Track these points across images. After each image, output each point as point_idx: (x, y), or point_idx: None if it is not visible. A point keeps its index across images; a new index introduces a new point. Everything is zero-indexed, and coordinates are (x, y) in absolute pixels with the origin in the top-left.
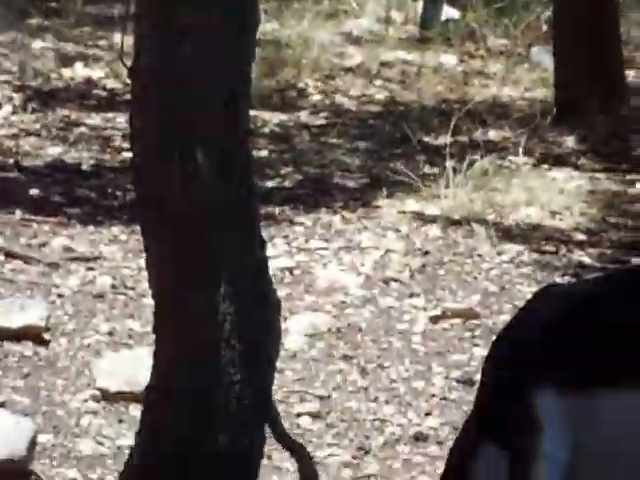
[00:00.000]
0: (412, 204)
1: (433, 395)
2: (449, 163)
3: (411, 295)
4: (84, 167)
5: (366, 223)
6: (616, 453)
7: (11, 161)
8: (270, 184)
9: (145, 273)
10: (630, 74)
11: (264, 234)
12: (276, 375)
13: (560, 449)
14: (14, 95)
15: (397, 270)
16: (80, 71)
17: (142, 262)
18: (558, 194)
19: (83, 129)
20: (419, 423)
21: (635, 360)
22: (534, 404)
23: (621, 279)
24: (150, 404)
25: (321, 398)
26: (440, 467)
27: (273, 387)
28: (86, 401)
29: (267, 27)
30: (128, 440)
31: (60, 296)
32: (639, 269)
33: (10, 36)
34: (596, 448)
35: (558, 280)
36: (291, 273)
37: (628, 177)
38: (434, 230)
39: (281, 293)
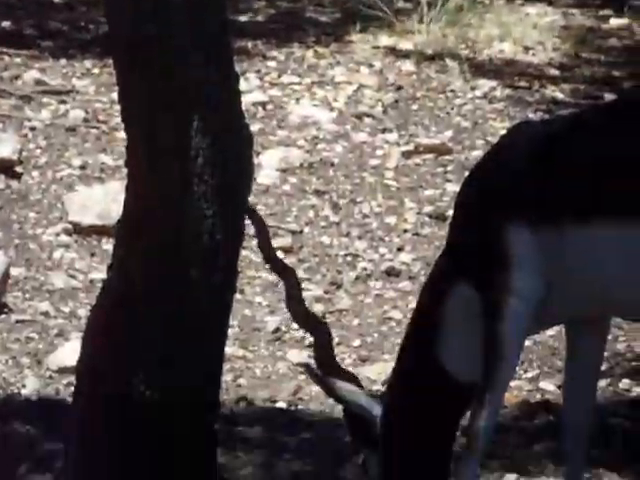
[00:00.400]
0: (385, 39)
1: (405, 230)
2: None
3: (384, 130)
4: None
5: (339, 58)
6: (584, 283)
7: None
8: (243, 18)
9: (118, 107)
10: None
11: (237, 68)
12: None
13: (531, 286)
14: None
15: (370, 105)
16: None
17: (115, 96)
18: (531, 29)
19: None
20: (391, 258)
21: (606, 194)
22: (507, 240)
23: (594, 116)
24: (121, 239)
25: (293, 233)
26: (412, 302)
27: (246, 221)
28: (58, 235)
29: None
30: (100, 274)
31: (32, 129)
32: (611, 106)
33: None
34: (565, 282)
35: (531, 116)
36: (264, 108)
37: (602, 13)
38: (407, 65)
39: (254, 128)
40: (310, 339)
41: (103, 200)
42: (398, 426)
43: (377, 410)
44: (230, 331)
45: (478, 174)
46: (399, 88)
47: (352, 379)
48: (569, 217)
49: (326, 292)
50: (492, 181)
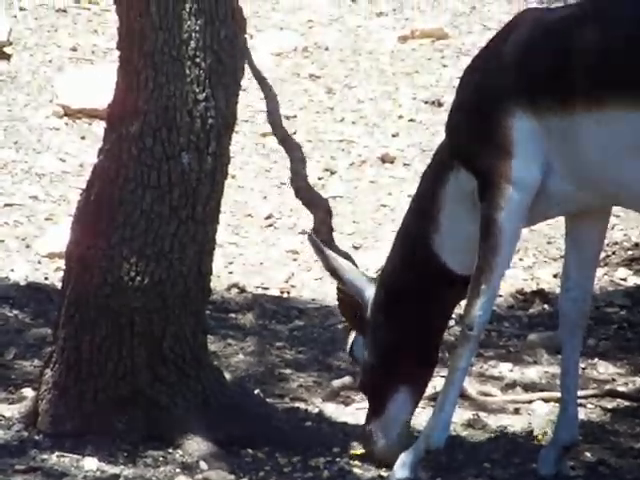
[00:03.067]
0: None
1: (400, 116)
2: None
3: (379, 14)
4: None
5: None
6: (590, 169)
7: None
8: None
9: None
10: None
11: None
12: (241, 94)
13: (529, 174)
14: None
15: None
16: None
17: None
18: None
19: None
20: (386, 145)
21: (611, 78)
22: (509, 127)
23: (595, 3)
24: (113, 122)
25: (287, 118)
26: (406, 189)
27: (239, 106)
28: (48, 117)
29: None
30: (90, 157)
31: (22, 10)
32: None
33: None
34: (573, 164)
35: (534, 5)
36: None
37: None
38: None
39: (247, 11)
40: (303, 226)
41: (94, 83)
42: (391, 311)
43: (370, 292)
44: (222, 217)
45: (481, 60)
46: None
47: (347, 258)
48: (575, 102)
49: (320, 178)
50: (495, 67)
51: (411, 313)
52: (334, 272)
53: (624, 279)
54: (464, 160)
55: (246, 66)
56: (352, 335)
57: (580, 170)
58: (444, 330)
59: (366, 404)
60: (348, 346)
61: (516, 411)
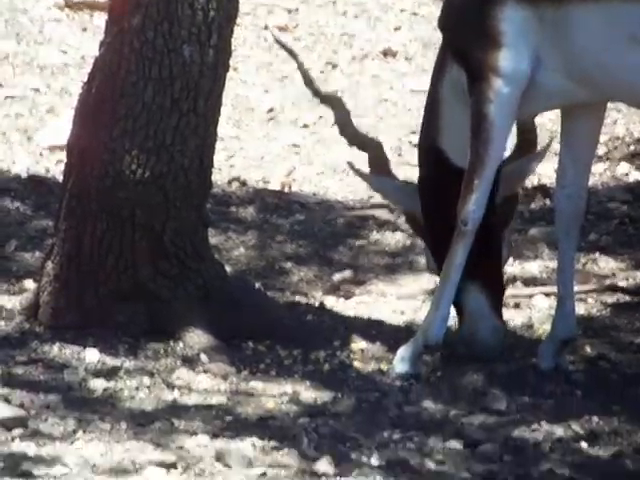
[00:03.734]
0: None
1: (402, 10)
2: None
3: None
4: None
5: None
6: (588, 55)
7: None
8: None
9: None
10: None
11: None
12: None
13: (518, 66)
14: None
15: None
16: None
17: None
18: None
19: None
20: (388, 38)
21: None
22: (500, 17)
23: None
24: (115, 14)
25: (289, 11)
26: (408, 83)
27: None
28: (49, 9)
29: None
30: (92, 50)
31: None
32: None
33: None
34: (565, 55)
35: None
36: None
37: None
38: None
39: None
40: (305, 120)
41: None
42: (427, 216)
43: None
44: (223, 110)
45: None
46: None
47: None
48: None
49: (322, 72)
50: None
51: (441, 214)
52: (383, 194)
53: (626, 174)
54: (455, 53)
55: None
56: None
57: (573, 62)
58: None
59: (364, 298)
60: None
61: (517, 305)
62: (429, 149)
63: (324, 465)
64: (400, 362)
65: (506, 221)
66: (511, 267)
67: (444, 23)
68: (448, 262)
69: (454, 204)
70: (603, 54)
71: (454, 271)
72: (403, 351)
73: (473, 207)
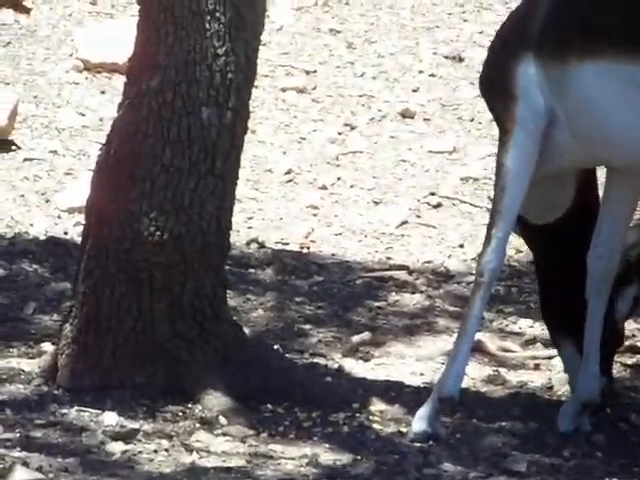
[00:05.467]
0: None
1: (421, 71)
2: None
3: None
4: None
5: None
6: (585, 116)
7: None
8: None
9: None
10: None
11: None
12: (261, 49)
13: (533, 115)
14: None
15: None
16: None
17: None
18: None
19: None
20: (406, 100)
21: (609, 30)
22: (516, 71)
23: None
24: (133, 77)
25: (307, 73)
26: (426, 144)
27: (259, 60)
28: (68, 71)
29: None
30: (110, 112)
31: None
32: None
33: None
34: (568, 113)
35: None
36: None
37: None
38: None
39: None
40: (322, 181)
41: (114, 37)
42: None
43: None
44: (241, 172)
45: (508, 17)
46: None
47: None
48: (569, 51)
49: (340, 133)
50: (513, 18)
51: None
52: None
53: None
54: (490, 109)
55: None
56: None
57: (574, 122)
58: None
59: (383, 360)
60: None
61: (536, 367)
62: None
63: None
64: (418, 421)
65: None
66: (531, 328)
67: (480, 82)
68: (465, 315)
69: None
70: (596, 116)
71: (471, 324)
72: (421, 411)
73: (489, 258)
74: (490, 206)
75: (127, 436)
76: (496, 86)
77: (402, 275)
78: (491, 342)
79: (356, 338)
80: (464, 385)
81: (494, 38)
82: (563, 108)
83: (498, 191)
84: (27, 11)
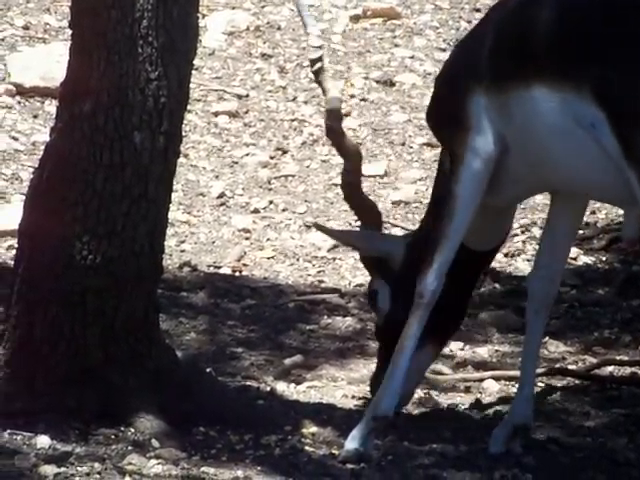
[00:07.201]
0: None
1: (352, 96)
2: None
3: None
4: None
5: None
6: (527, 141)
7: None
8: None
9: None
10: None
11: None
12: (194, 73)
13: (486, 144)
14: None
15: None
16: None
17: None
18: None
19: None
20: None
21: (537, 58)
22: (466, 101)
23: None
24: (65, 101)
25: (239, 97)
26: (363, 164)
27: (191, 85)
28: (0, 96)
29: None
30: (43, 136)
31: None
32: None
33: None
34: (513, 139)
35: None
36: None
37: None
38: None
39: None
40: (255, 205)
41: (46, 61)
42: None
43: (400, 248)
44: (174, 196)
45: (453, 52)
46: None
47: (372, 207)
48: (506, 80)
49: (272, 157)
50: (461, 50)
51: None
52: (353, 246)
53: (574, 258)
54: (441, 141)
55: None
56: (375, 284)
57: (521, 148)
58: (472, 289)
59: (315, 383)
60: (369, 294)
61: (467, 389)
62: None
63: None
64: (351, 440)
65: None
66: (462, 351)
67: (427, 115)
68: (403, 334)
69: (463, 276)
70: (535, 143)
71: (408, 344)
72: (355, 430)
73: (430, 280)
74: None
75: (60, 459)
76: (447, 117)
77: (334, 298)
78: None
79: (288, 361)
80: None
81: (442, 71)
82: (511, 136)
83: (445, 215)
84: None
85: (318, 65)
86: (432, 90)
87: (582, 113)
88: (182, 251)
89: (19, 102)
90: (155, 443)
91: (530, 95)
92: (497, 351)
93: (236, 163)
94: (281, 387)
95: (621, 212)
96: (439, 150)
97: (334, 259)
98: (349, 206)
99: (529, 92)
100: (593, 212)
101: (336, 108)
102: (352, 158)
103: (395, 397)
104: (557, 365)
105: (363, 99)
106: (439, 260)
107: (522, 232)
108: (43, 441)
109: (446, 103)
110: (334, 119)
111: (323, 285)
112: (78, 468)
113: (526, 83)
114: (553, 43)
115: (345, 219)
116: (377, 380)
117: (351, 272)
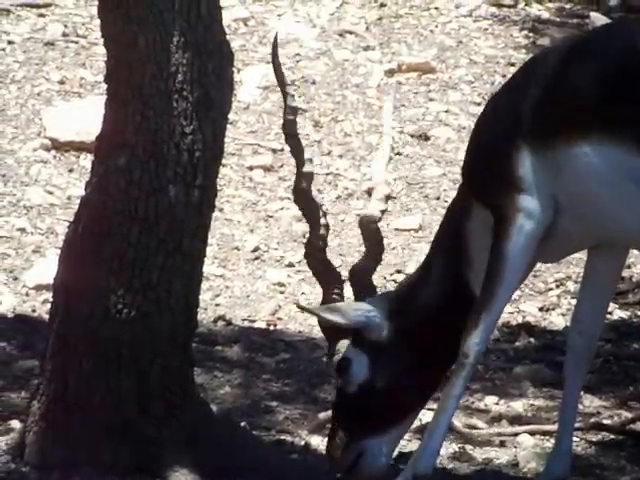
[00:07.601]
0: None
1: None
2: None
3: (366, 48)
4: None
5: None
6: (578, 198)
7: None
8: None
9: (97, 21)
10: None
11: None
12: (228, 127)
13: (539, 206)
14: None
15: (353, 22)
16: None
17: (94, 10)
18: None
19: None
20: (372, 177)
21: (583, 113)
22: (513, 162)
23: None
24: (101, 155)
25: (274, 151)
26: (392, 222)
27: (226, 139)
28: (36, 150)
29: None
30: (78, 190)
31: (10, 43)
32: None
33: None
34: (563, 197)
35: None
36: (245, 24)
37: None
38: None
39: (235, 44)
40: (289, 259)
41: (82, 116)
42: (418, 339)
43: (380, 318)
44: (209, 250)
45: (490, 106)
46: (382, 5)
47: (338, 278)
48: (556, 136)
49: None
50: (503, 107)
51: (440, 343)
52: (328, 323)
53: (610, 312)
54: (482, 198)
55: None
56: (349, 353)
57: (572, 206)
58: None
59: None
60: (340, 363)
61: (502, 444)
62: (451, 275)
63: None
64: None
65: None
66: (496, 405)
67: (465, 170)
68: (446, 394)
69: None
70: (589, 199)
71: (451, 403)
72: None
73: (476, 340)
74: None
75: None
76: (491, 175)
77: None
78: (457, 419)
79: (323, 415)
80: None
81: (479, 130)
82: (560, 193)
83: (494, 276)
84: None
85: (292, 127)
86: (468, 144)
87: (632, 166)
88: (217, 305)
89: (54, 156)
90: None
91: (581, 151)
92: (532, 405)
93: (271, 217)
94: (315, 441)
95: None
96: None
97: None
98: (308, 266)
99: (580, 148)
100: (628, 266)
101: (309, 172)
102: (319, 225)
103: (435, 456)
104: (592, 420)
105: (398, 153)
106: (486, 320)
107: (557, 286)
108: None
109: (490, 163)
110: (307, 182)
111: None
112: None
113: (576, 138)
114: (602, 99)
115: (379, 273)
116: (334, 447)
117: None
